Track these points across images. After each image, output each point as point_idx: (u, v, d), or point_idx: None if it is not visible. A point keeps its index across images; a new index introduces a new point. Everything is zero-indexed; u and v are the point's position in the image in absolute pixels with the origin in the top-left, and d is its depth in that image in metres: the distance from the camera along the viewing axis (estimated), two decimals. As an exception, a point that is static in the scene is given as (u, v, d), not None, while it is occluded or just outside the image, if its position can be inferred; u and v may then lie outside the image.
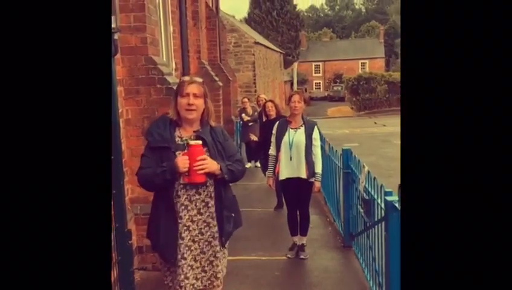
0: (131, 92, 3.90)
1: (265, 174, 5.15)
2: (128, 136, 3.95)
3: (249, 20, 40.52)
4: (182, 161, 2.43)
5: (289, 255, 4.48)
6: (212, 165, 2.48)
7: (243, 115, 9.68)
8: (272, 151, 4.47)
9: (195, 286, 2.61)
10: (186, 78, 2.66)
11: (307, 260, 4.42)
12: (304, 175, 4.22)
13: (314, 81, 50.27)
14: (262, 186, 4.95)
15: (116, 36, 2.55)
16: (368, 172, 3.61)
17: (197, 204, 2.55)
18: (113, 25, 2.50)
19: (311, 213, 5.66)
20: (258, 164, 7.99)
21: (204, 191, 2.56)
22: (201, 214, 2.56)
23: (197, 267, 2.59)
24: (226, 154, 2.62)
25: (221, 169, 2.52)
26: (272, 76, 28.40)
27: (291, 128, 4.31)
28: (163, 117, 2.67)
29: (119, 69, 3.83)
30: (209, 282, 2.64)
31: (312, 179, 4.25)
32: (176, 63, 6.35)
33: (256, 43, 21.83)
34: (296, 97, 4.27)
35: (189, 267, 2.56)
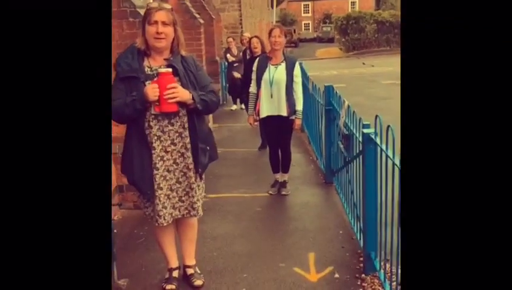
0: (103, 27, 3.72)
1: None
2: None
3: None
4: (152, 89, 2.38)
5: (271, 192, 4.52)
6: (183, 93, 2.44)
7: (228, 55, 9.44)
8: (252, 88, 4.37)
9: (173, 215, 2.66)
10: (154, 4, 2.53)
11: (288, 196, 4.47)
12: (284, 113, 4.16)
13: (303, 22, 49.08)
14: (246, 127, 4.94)
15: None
16: (348, 107, 3.56)
17: (170, 135, 2.53)
18: None
19: (294, 152, 5.69)
20: (244, 106, 7.91)
21: (177, 121, 2.53)
22: (174, 144, 2.55)
23: (174, 197, 2.63)
24: (199, 85, 2.57)
25: (193, 98, 2.47)
26: (259, 16, 27.58)
27: (272, 65, 4.19)
28: (131, 47, 2.57)
29: (88, 2, 3.62)
30: (187, 211, 2.69)
31: (293, 117, 4.20)
32: (153, -1, 6.06)
33: (242, -20, 20.97)
34: (276, 31, 4.11)
35: (165, 197, 2.59)
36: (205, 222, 3.77)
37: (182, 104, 2.48)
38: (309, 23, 49.35)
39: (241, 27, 20.58)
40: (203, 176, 2.76)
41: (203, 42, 7.20)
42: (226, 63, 9.65)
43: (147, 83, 2.44)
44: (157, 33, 2.43)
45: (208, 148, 2.69)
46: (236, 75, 8.66)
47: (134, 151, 2.53)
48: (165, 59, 2.53)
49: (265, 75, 4.17)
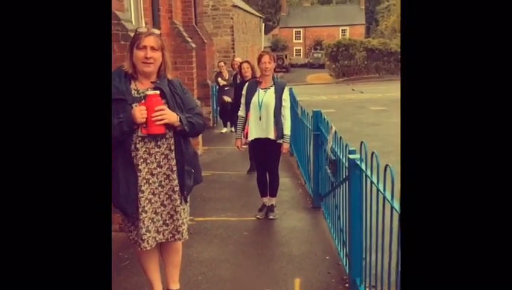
0: (94, 49, 3.75)
1: None
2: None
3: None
4: (140, 111, 2.39)
5: (258, 216, 4.51)
6: (171, 116, 2.45)
7: (219, 79, 9.53)
8: (241, 112, 4.41)
9: (157, 239, 2.62)
10: (143, 29, 2.55)
11: (275, 220, 4.46)
12: (272, 136, 4.19)
13: (295, 48, 49.81)
14: (236, 150, 4.97)
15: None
16: (335, 132, 3.60)
17: (157, 157, 2.52)
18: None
19: (283, 176, 5.70)
20: (233, 129, 7.95)
21: (163, 143, 2.52)
22: (160, 167, 2.54)
23: (158, 221, 2.60)
24: (185, 107, 2.58)
25: (180, 120, 2.48)
26: (251, 41, 27.99)
27: (261, 89, 4.24)
28: (118, 70, 2.58)
29: (80, 24, 3.66)
30: (171, 235, 2.65)
31: (280, 141, 4.23)
32: (145, 22, 6.14)
33: (235, 6, 21.37)
34: (266, 57, 4.18)
35: (150, 220, 2.56)
36: (191, 246, 3.74)
37: (169, 126, 2.48)
38: (300, 49, 50.08)
39: (233, 51, 20.87)
40: (188, 199, 2.73)
41: (194, 66, 7.27)
42: (217, 87, 9.73)
43: (133, 105, 2.44)
44: (146, 58, 2.44)
45: (193, 170, 2.67)
46: (227, 99, 8.73)
47: (119, 173, 2.50)
48: (152, 82, 2.54)
49: (255, 98, 4.21)
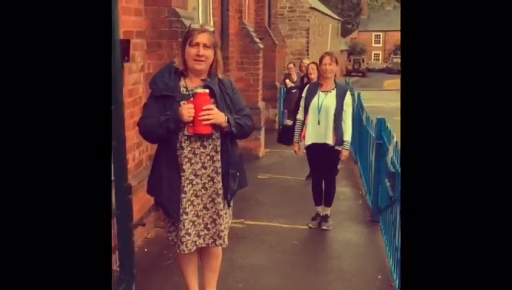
0: (153, 46, 3.78)
1: None
2: (148, 90, 3.86)
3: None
4: (187, 109, 2.30)
5: (310, 225, 4.30)
6: (218, 116, 2.35)
7: (287, 80, 9.38)
8: (299, 115, 4.23)
9: (197, 243, 2.52)
10: (196, 25, 2.45)
11: (329, 231, 4.22)
12: (330, 141, 3.96)
13: (373, 52, 48.33)
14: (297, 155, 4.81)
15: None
16: (396, 143, 3.31)
17: (202, 158, 2.43)
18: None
19: (343, 185, 5.44)
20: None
21: (209, 144, 2.43)
22: (205, 168, 2.44)
23: (199, 224, 2.50)
24: (235, 108, 2.48)
25: (228, 121, 2.38)
26: (327, 44, 27.53)
27: (322, 92, 4.03)
28: (169, 66, 2.52)
29: (141, 21, 3.71)
30: (212, 240, 2.54)
31: (339, 147, 3.99)
32: (214, 22, 6.16)
33: (312, 8, 21.10)
34: (326, 59, 3.97)
35: (191, 223, 2.47)
36: (235, 250, 3.63)
37: (216, 126, 2.38)
38: (379, 54, 48.47)
39: (308, 54, 20.61)
40: (231, 203, 2.62)
41: (261, 67, 7.19)
42: (285, 89, 9.59)
43: (182, 102, 2.36)
44: (198, 55, 2.36)
45: (238, 174, 2.55)
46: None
47: (163, 171, 2.44)
48: (202, 80, 2.45)
49: (314, 101, 4.02)
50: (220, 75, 2.52)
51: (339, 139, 3.97)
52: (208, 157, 2.44)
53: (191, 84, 2.45)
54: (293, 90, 9.05)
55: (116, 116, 2.50)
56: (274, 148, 8.01)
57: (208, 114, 2.31)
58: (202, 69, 2.42)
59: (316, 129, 4.02)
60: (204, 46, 2.36)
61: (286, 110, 9.95)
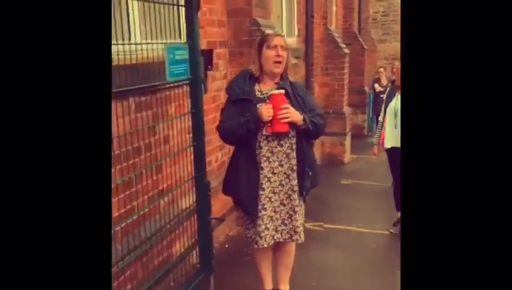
0: (235, 54, 4.01)
1: None
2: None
3: (405, -12, 37.80)
4: (266, 110, 2.47)
5: (391, 231, 4.21)
6: (295, 114, 2.51)
7: (376, 85, 9.19)
8: (380, 117, 4.19)
9: (275, 237, 2.66)
10: (270, 31, 2.72)
11: (410, 237, 4.10)
12: (397, 144, 3.88)
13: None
14: (385, 161, 4.65)
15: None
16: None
17: (279, 156, 2.58)
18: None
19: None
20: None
21: (286, 142, 2.58)
22: (282, 165, 2.59)
23: (277, 219, 2.64)
24: (306, 108, 2.62)
25: (304, 119, 2.53)
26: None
27: (398, 94, 3.96)
28: (244, 72, 2.72)
29: (224, 31, 3.96)
30: (289, 235, 2.68)
31: None
32: (298, 29, 6.30)
33: (407, 11, 20.29)
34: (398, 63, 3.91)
35: (269, 219, 2.61)
36: (312, 251, 3.70)
37: (292, 125, 2.54)
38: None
39: (402, 58, 19.84)
40: (304, 201, 2.76)
41: (345, 72, 7.16)
42: (374, 93, 9.40)
43: (258, 105, 2.53)
44: (277, 56, 2.54)
45: (310, 173, 2.68)
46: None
47: (241, 170, 2.59)
48: (275, 83, 2.63)
49: (392, 104, 3.96)
50: (291, 78, 2.68)
51: None
52: (285, 155, 2.58)
53: (265, 88, 2.62)
54: (381, 95, 8.86)
55: (197, 120, 2.75)
56: (361, 154, 7.89)
57: (286, 112, 2.48)
58: (279, 72, 2.60)
59: (393, 133, 3.95)
60: (282, 47, 2.56)
61: (375, 116, 9.75)
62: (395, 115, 3.92)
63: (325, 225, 4.37)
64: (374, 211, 4.85)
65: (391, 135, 3.97)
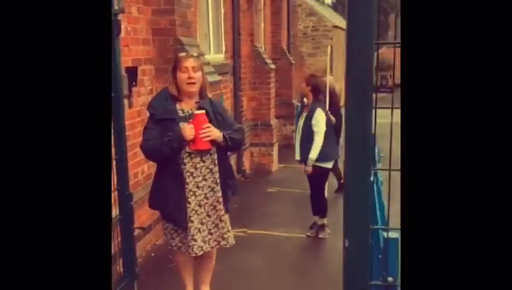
0: (160, 71, 4.22)
1: None
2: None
3: (336, 4, 39.71)
4: (188, 129, 2.62)
5: (308, 234, 4.58)
6: (216, 132, 2.68)
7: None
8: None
9: (204, 248, 2.81)
10: (182, 54, 2.85)
11: (325, 239, 4.49)
12: (299, 158, 4.39)
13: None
14: None
15: (119, 17, 2.82)
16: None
17: (202, 171, 2.74)
18: (115, 7, 2.79)
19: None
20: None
21: (208, 158, 2.76)
22: (206, 180, 2.76)
23: (204, 231, 2.80)
24: (226, 124, 2.81)
25: (224, 136, 2.72)
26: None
27: (304, 112, 4.42)
28: (164, 91, 2.83)
29: (149, 49, 4.16)
30: (216, 243, 2.86)
31: (308, 162, 4.29)
32: (226, 45, 6.60)
33: (335, 27, 21.43)
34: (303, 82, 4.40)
35: (196, 230, 2.76)
36: (234, 253, 3.95)
37: (213, 142, 2.71)
38: (409, 69, 48.02)
39: (332, 71, 20.90)
40: (228, 209, 2.94)
41: (272, 86, 7.57)
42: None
43: (180, 124, 2.67)
44: (189, 78, 2.68)
45: (230, 182, 2.90)
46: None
47: (168, 186, 2.73)
48: (196, 102, 2.77)
49: (299, 122, 4.43)
50: (209, 95, 2.91)
51: (305, 156, 4.28)
52: (208, 170, 2.76)
53: (185, 106, 2.77)
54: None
55: (119, 135, 2.92)
56: (288, 164, 8.30)
57: (207, 131, 2.65)
58: (195, 91, 2.74)
59: (297, 148, 4.47)
60: (194, 69, 2.69)
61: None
62: (298, 132, 4.38)
63: (248, 231, 4.66)
64: (295, 217, 5.21)
65: (297, 150, 4.44)
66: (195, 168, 2.74)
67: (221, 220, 2.84)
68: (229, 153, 3.04)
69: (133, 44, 3.85)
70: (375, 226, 1.87)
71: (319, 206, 4.54)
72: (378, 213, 2.38)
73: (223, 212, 2.84)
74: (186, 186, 2.73)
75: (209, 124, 2.67)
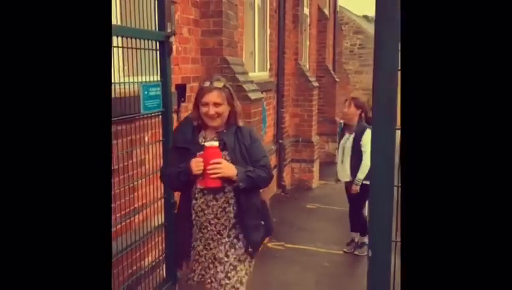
0: (207, 88, 4.47)
1: None
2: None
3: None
4: (196, 163, 2.32)
5: (345, 250, 4.64)
6: (227, 169, 2.32)
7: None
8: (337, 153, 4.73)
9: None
10: (206, 83, 2.43)
11: (362, 257, 4.52)
12: (348, 178, 4.42)
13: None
14: None
15: (171, 39, 3.08)
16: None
17: (214, 209, 2.43)
18: (168, 30, 3.05)
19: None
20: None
21: (221, 197, 2.42)
22: (218, 218, 2.45)
23: (217, 273, 2.49)
24: (251, 158, 2.45)
25: (237, 175, 2.34)
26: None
27: (348, 133, 4.48)
28: (189, 117, 2.58)
29: (198, 68, 4.42)
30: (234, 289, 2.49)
31: (355, 182, 4.36)
32: (270, 64, 6.82)
33: (383, 45, 21.29)
34: (347, 102, 4.47)
35: (204, 270, 2.53)
36: (271, 266, 4.08)
37: (227, 179, 2.35)
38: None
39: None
40: (253, 256, 2.57)
41: (314, 103, 7.72)
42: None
43: (198, 154, 2.38)
44: (209, 114, 2.38)
45: (262, 222, 2.54)
46: None
47: (179, 218, 2.59)
48: (217, 132, 2.46)
49: (341, 143, 4.51)
50: (241, 123, 2.51)
51: (354, 176, 4.35)
52: (220, 209, 2.43)
53: (209, 134, 2.47)
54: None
55: (166, 147, 3.15)
56: (329, 181, 8.35)
57: (215, 167, 2.29)
58: (217, 125, 2.44)
59: (340, 168, 4.53)
60: (215, 104, 2.37)
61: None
62: (342, 152, 4.44)
63: (286, 245, 4.77)
64: (333, 233, 5.28)
65: (339, 170, 4.50)
66: (207, 206, 2.43)
67: (234, 265, 2.48)
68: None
69: (183, 63, 4.11)
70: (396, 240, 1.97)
71: (359, 223, 4.59)
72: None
73: (239, 255, 2.47)
74: (195, 222, 2.48)
75: (219, 159, 2.31)
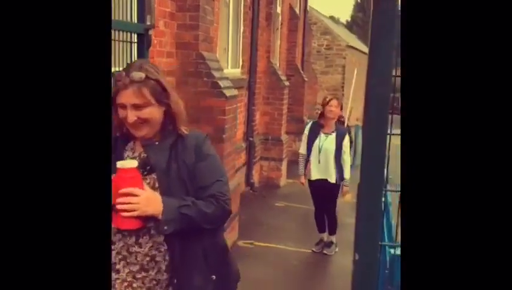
0: (181, 83, 4.40)
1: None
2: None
3: (350, 24, 40.07)
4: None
5: (314, 249, 4.69)
6: (147, 205, 1.52)
7: (306, 118, 9.90)
8: (301, 150, 4.71)
9: None
10: (120, 82, 1.57)
11: (330, 256, 4.59)
12: (332, 179, 4.41)
13: (414, 90, 48.04)
14: None
15: (150, 32, 3.00)
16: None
17: (138, 258, 1.63)
18: (147, 22, 2.97)
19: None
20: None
21: (147, 242, 1.61)
22: (146, 271, 1.63)
23: None
24: (195, 184, 1.63)
25: (163, 214, 1.53)
26: (364, 82, 27.82)
27: (323, 133, 4.50)
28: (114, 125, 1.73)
29: (172, 62, 4.35)
30: None
31: (342, 183, 4.41)
32: (243, 60, 6.79)
33: (349, 46, 21.67)
34: (334, 102, 4.46)
35: None
36: (241, 264, 4.07)
37: (148, 218, 1.55)
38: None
39: (342, 90, 21.07)
40: None
41: (285, 102, 7.75)
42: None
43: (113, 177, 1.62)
44: (127, 121, 1.58)
45: (214, 277, 1.68)
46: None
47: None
48: (143, 145, 1.66)
49: (316, 143, 4.49)
50: (184, 130, 1.67)
51: (340, 177, 4.40)
52: (148, 259, 1.63)
53: (139, 148, 1.69)
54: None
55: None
56: (297, 179, 8.44)
57: (128, 202, 1.50)
58: (144, 135, 1.62)
59: (317, 167, 4.51)
60: (135, 107, 1.55)
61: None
62: (319, 152, 4.46)
63: (255, 243, 4.78)
64: (302, 232, 5.33)
65: (316, 169, 4.52)
66: (129, 252, 1.63)
67: None
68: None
69: (158, 56, 4.03)
70: (384, 243, 2.01)
71: (331, 224, 4.64)
72: (385, 231, 2.50)
73: None
74: (117, 275, 1.64)
75: (134, 190, 1.51)
